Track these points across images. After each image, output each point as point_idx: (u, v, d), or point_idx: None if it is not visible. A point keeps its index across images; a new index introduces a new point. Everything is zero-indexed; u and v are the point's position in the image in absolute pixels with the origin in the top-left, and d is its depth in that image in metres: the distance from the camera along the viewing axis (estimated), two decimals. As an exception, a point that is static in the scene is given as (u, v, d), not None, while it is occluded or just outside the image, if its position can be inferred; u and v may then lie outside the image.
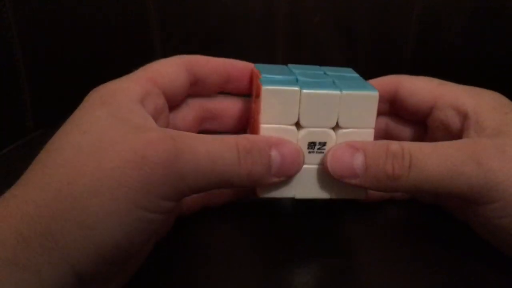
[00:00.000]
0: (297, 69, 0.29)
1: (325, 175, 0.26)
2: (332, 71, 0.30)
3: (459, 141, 0.26)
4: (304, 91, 0.25)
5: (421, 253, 0.28)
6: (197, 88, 0.30)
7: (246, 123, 0.31)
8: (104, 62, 0.45)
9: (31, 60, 0.44)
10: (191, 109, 0.31)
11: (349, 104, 0.26)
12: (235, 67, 0.30)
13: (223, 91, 0.31)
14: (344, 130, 0.26)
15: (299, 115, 0.26)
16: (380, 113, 0.32)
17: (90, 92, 0.25)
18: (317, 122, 0.26)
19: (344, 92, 0.25)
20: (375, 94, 0.26)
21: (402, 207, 0.32)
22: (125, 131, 0.22)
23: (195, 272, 0.27)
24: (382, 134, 0.33)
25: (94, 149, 0.22)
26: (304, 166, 0.26)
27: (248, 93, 0.31)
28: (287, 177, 0.25)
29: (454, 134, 0.28)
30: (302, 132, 0.26)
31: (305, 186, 0.27)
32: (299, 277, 0.26)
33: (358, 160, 0.25)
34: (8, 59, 0.43)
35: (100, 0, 0.45)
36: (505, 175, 0.24)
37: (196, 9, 0.46)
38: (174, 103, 0.29)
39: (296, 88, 0.25)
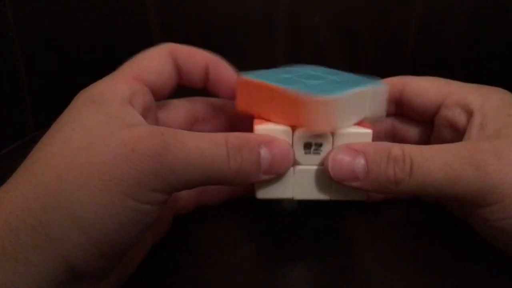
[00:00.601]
0: (293, 72, 0.29)
1: (323, 176, 0.26)
2: (329, 74, 0.29)
3: (458, 144, 0.26)
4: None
5: (422, 253, 0.28)
6: (183, 79, 0.29)
7: (238, 127, 0.31)
8: (104, 62, 0.45)
9: (31, 60, 0.44)
10: (183, 111, 0.31)
11: (374, 97, 0.26)
12: (216, 70, 0.29)
13: (206, 89, 0.30)
14: (341, 132, 0.26)
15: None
16: (386, 114, 0.32)
17: (79, 93, 0.25)
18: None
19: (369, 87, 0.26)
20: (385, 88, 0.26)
21: (403, 206, 0.32)
22: (115, 127, 0.23)
23: (194, 272, 0.27)
24: (389, 135, 0.33)
25: (84, 143, 0.22)
26: (302, 167, 0.26)
27: (226, 98, 0.30)
28: (277, 175, 0.26)
29: (461, 132, 0.28)
30: (297, 133, 0.26)
31: (304, 187, 0.27)
32: (298, 277, 0.26)
33: (359, 164, 0.25)
34: (8, 59, 0.43)
35: (100, 0, 0.45)
36: (502, 179, 0.24)
37: (196, 9, 0.46)
38: (163, 95, 0.29)
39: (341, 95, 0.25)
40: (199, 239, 0.29)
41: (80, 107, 0.24)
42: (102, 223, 0.21)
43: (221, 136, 0.24)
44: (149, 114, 0.27)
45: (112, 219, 0.21)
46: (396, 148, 0.25)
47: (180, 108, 0.31)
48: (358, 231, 0.30)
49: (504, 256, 0.26)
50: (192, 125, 0.31)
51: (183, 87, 0.30)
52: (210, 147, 0.23)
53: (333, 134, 0.26)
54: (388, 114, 0.33)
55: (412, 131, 0.32)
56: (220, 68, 0.29)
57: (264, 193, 0.26)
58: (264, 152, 0.25)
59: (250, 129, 0.26)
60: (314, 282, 0.26)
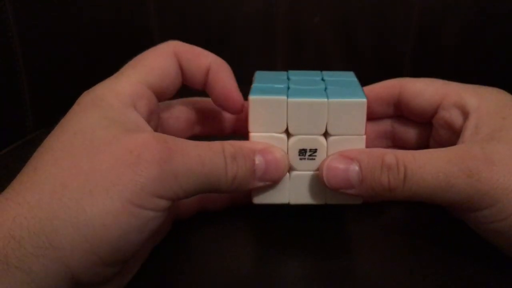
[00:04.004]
0: (295, 76, 0.29)
1: (318, 181, 0.26)
2: (331, 76, 0.29)
3: (451, 150, 0.26)
4: (290, 99, 0.25)
5: (422, 253, 0.28)
6: (185, 79, 0.29)
7: (239, 127, 0.32)
8: (104, 62, 0.45)
9: (31, 60, 0.44)
10: (185, 111, 0.31)
11: (337, 112, 0.26)
12: (216, 75, 0.28)
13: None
14: (335, 137, 0.26)
15: (287, 123, 0.26)
16: (385, 116, 0.33)
17: (82, 94, 0.25)
18: (306, 130, 0.26)
19: (331, 99, 0.25)
20: (363, 101, 0.26)
21: (403, 207, 0.32)
22: (117, 132, 0.23)
23: (194, 273, 0.27)
24: (389, 136, 0.33)
25: (86, 149, 0.22)
26: (297, 172, 0.27)
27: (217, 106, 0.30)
28: (272, 182, 0.26)
29: (458, 133, 0.28)
30: (292, 139, 0.26)
31: (299, 192, 0.27)
32: (298, 278, 0.27)
33: (353, 172, 0.25)
34: (8, 59, 0.43)
35: (101, 0, 0.45)
36: (494, 184, 0.24)
37: (196, 10, 0.46)
38: (167, 96, 0.29)
39: (283, 97, 0.25)
40: (199, 240, 0.29)
41: (81, 110, 0.24)
42: (106, 231, 0.21)
43: (218, 145, 0.24)
44: (153, 117, 0.27)
45: (116, 226, 0.21)
46: (390, 155, 0.25)
47: (182, 109, 0.31)
48: (358, 232, 0.30)
49: (504, 256, 0.26)
50: (193, 125, 0.31)
51: (184, 87, 0.30)
52: (209, 156, 0.23)
53: (326, 139, 0.26)
54: (387, 116, 0.33)
55: (411, 132, 0.32)
56: (220, 74, 0.29)
57: (260, 198, 0.27)
58: (258, 160, 0.25)
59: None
60: (314, 284, 0.26)
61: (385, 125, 0.33)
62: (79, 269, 0.21)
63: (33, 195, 0.21)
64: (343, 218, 0.31)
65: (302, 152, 0.26)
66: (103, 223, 0.21)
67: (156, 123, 0.28)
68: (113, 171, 0.21)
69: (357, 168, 0.25)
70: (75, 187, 0.21)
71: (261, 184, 0.26)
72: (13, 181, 0.22)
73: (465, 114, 0.28)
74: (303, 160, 0.26)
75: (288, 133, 0.26)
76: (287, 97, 0.25)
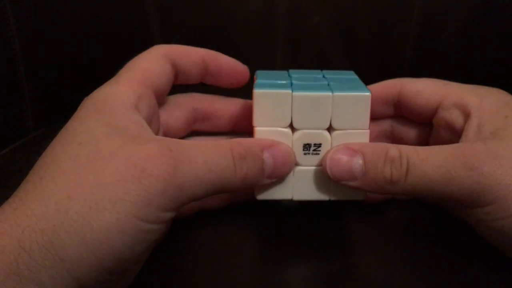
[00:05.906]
0: (296, 74, 0.29)
1: (322, 176, 0.26)
2: (332, 74, 0.30)
3: (454, 146, 0.26)
4: (295, 93, 0.25)
5: (422, 254, 0.28)
6: (178, 78, 0.30)
7: (238, 124, 0.32)
8: (104, 62, 0.45)
9: (31, 60, 0.44)
10: (184, 110, 0.31)
11: (341, 105, 0.26)
12: (215, 61, 0.30)
13: (203, 82, 0.31)
14: (339, 132, 0.26)
15: (292, 117, 0.26)
16: (385, 116, 0.33)
17: (83, 100, 0.25)
18: (310, 124, 0.26)
19: (336, 93, 0.25)
20: (367, 95, 0.26)
21: (403, 207, 0.32)
22: (122, 142, 0.23)
23: (194, 273, 0.27)
24: (389, 136, 0.33)
25: (91, 161, 0.22)
26: (301, 167, 0.27)
27: (226, 87, 0.31)
28: (279, 178, 0.26)
29: (458, 133, 0.28)
30: (297, 134, 0.26)
31: (303, 188, 0.27)
32: (298, 278, 0.27)
33: (357, 164, 0.25)
34: (8, 59, 0.43)
35: (100, 1, 0.45)
36: (497, 180, 0.24)
37: (196, 10, 0.46)
38: (163, 96, 0.29)
39: (288, 91, 0.25)
40: (199, 240, 0.29)
41: (84, 117, 0.24)
42: (111, 245, 0.21)
43: (226, 145, 0.24)
44: (154, 118, 0.27)
45: (121, 240, 0.21)
46: (393, 149, 0.25)
47: (181, 107, 0.31)
48: (358, 232, 0.31)
49: (504, 256, 0.26)
50: (193, 124, 0.31)
51: (174, 86, 0.30)
52: (217, 160, 0.23)
53: (330, 133, 0.26)
54: (387, 116, 0.33)
55: (411, 132, 0.32)
56: (219, 58, 0.30)
57: (264, 195, 0.27)
58: (266, 157, 0.25)
59: (251, 129, 0.27)
60: (314, 283, 0.26)
61: (385, 125, 0.33)
62: (86, 280, 0.21)
63: (39, 207, 0.21)
64: (344, 218, 0.31)
65: (307, 146, 0.26)
66: (109, 237, 0.21)
67: (158, 122, 0.28)
68: (118, 185, 0.21)
69: (360, 160, 0.25)
70: (81, 201, 0.21)
71: (268, 181, 0.26)
72: (19, 189, 0.22)
73: (466, 114, 0.28)
74: (307, 155, 0.26)
75: (292, 128, 0.26)
76: (292, 91, 0.25)
